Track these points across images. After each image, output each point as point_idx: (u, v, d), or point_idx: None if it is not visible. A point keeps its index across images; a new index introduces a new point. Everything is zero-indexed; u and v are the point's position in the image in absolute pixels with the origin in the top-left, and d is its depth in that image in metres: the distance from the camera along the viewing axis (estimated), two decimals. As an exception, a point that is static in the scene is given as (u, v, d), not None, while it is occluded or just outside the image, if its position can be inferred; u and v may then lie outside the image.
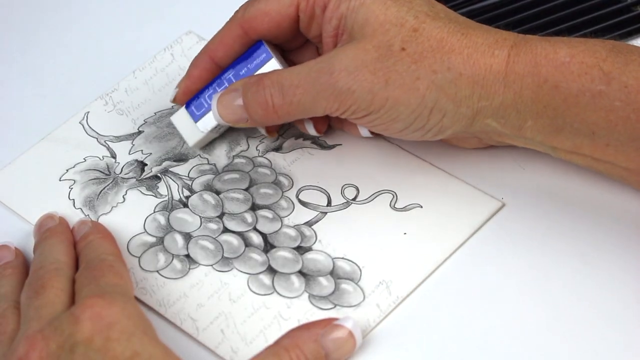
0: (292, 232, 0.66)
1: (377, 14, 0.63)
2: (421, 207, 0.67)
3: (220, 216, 0.67)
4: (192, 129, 0.69)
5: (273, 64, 0.67)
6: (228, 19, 0.68)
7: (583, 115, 0.61)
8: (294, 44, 0.69)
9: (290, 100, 0.64)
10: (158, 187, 0.69)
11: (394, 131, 0.64)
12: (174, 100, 0.69)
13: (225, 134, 0.71)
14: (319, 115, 0.65)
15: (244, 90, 0.65)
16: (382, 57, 0.62)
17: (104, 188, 0.69)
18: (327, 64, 0.63)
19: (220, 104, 0.66)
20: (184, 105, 0.69)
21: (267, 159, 0.70)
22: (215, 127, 0.68)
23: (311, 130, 0.68)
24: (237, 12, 0.68)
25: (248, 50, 0.68)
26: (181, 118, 0.69)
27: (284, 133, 0.71)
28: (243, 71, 0.67)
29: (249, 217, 0.67)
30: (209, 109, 0.68)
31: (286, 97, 0.64)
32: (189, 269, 0.65)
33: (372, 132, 0.68)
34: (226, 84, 0.67)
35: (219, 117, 0.66)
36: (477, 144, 0.67)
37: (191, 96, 0.69)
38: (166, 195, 0.68)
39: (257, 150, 0.70)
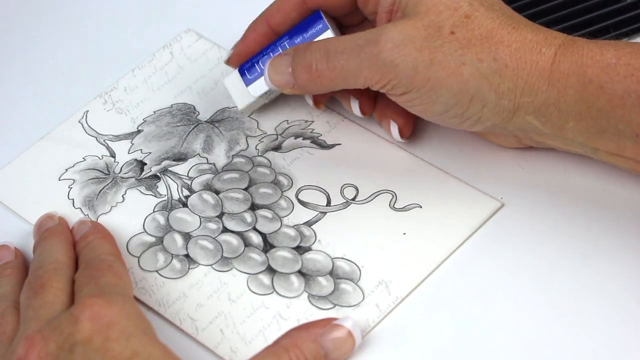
0: (291, 232, 0.66)
1: None
2: (421, 207, 0.67)
3: (220, 216, 0.67)
4: (243, 92, 0.69)
5: (328, 35, 0.67)
6: None
7: (628, 116, 0.61)
8: (351, 20, 0.69)
9: (334, 65, 0.64)
10: (157, 186, 0.69)
11: (433, 114, 0.64)
12: (228, 62, 0.70)
13: (224, 133, 0.71)
14: (360, 87, 0.64)
15: (294, 55, 0.65)
16: (431, 36, 0.62)
17: (103, 188, 0.69)
18: (374, 35, 0.63)
19: (271, 68, 0.66)
20: (237, 69, 0.69)
21: (266, 158, 0.70)
22: (266, 93, 0.69)
23: (356, 110, 0.69)
24: None
25: (306, 19, 0.68)
26: (233, 81, 0.69)
27: (283, 133, 0.71)
28: (298, 39, 0.68)
29: (248, 216, 0.67)
30: (261, 74, 0.68)
31: (330, 62, 0.64)
32: (189, 268, 0.65)
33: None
34: (280, 50, 0.68)
35: (269, 81, 0.67)
36: (516, 143, 0.67)
37: (245, 59, 0.69)
38: (165, 195, 0.68)
39: (256, 149, 0.70)
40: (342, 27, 0.70)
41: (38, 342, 0.56)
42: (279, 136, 0.71)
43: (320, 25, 0.67)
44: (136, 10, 0.81)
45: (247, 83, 0.69)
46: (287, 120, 0.72)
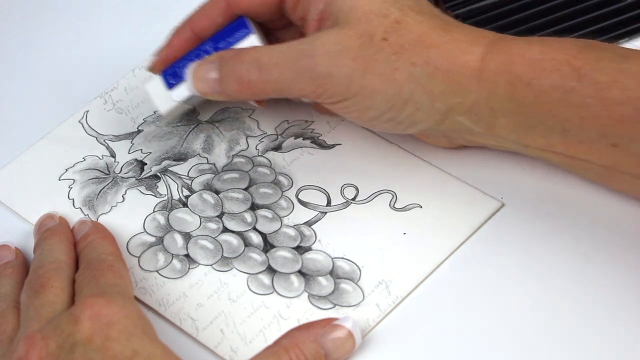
0: (291, 232, 0.66)
1: (363, 3, 0.63)
2: (421, 207, 0.67)
3: (220, 216, 0.67)
4: (165, 97, 0.68)
5: (252, 40, 0.67)
6: None
7: (555, 112, 0.61)
8: (277, 24, 0.69)
9: (268, 78, 0.63)
10: (157, 186, 0.69)
11: (367, 119, 0.64)
12: (151, 68, 0.69)
13: (224, 133, 0.71)
14: (293, 97, 0.65)
15: (220, 63, 0.65)
16: (364, 45, 0.62)
17: (103, 187, 0.69)
18: (308, 46, 0.63)
19: (195, 75, 0.66)
20: (160, 74, 0.69)
21: (266, 158, 0.70)
22: (189, 98, 0.68)
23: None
24: None
25: (230, 25, 0.67)
26: (156, 86, 0.69)
27: (283, 133, 0.71)
28: (222, 44, 0.67)
29: (248, 216, 0.67)
30: (183, 79, 0.68)
31: (263, 75, 0.64)
32: (189, 268, 0.65)
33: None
34: (204, 56, 0.67)
35: (193, 88, 0.66)
36: (447, 143, 0.68)
37: (168, 65, 0.68)
38: (166, 195, 0.68)
39: (256, 149, 0.70)
40: (267, 30, 0.70)
41: (38, 342, 0.56)
42: (279, 136, 0.71)
43: (244, 30, 0.67)
44: (136, 10, 0.81)
45: (170, 88, 0.68)
46: (287, 120, 0.72)
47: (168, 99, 0.68)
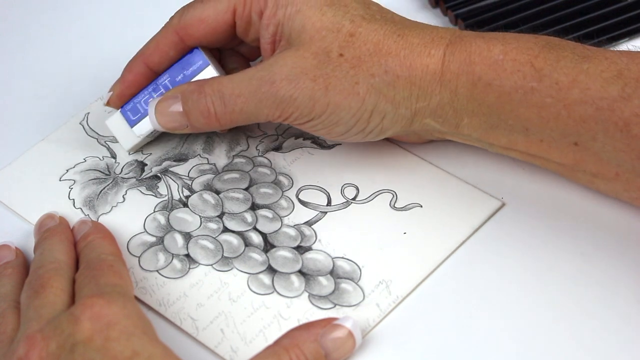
0: (292, 232, 0.66)
1: (314, 20, 0.63)
2: (421, 206, 0.67)
3: (220, 216, 0.67)
4: (128, 133, 0.69)
5: (210, 71, 0.67)
6: (163, 25, 0.68)
7: (516, 112, 0.61)
8: (230, 45, 0.70)
9: (232, 109, 0.64)
10: (158, 186, 0.69)
11: (336, 135, 0.65)
12: (108, 104, 0.69)
13: (225, 133, 0.71)
14: (262, 122, 0.65)
15: (184, 98, 0.65)
16: (321, 63, 0.63)
17: (104, 188, 0.69)
18: (267, 73, 0.63)
19: (158, 111, 0.66)
20: (119, 110, 0.69)
21: (267, 158, 0.70)
22: (152, 132, 0.69)
23: None
24: (172, 18, 0.68)
25: (185, 57, 0.68)
26: (117, 122, 0.69)
27: (283, 133, 0.71)
28: (179, 77, 0.68)
29: (248, 216, 0.67)
30: (145, 114, 0.68)
31: (228, 106, 0.64)
32: (189, 268, 0.65)
33: None
34: (162, 90, 0.68)
35: (157, 124, 0.67)
36: (417, 139, 0.68)
37: (126, 100, 0.69)
38: (166, 195, 0.68)
39: (257, 149, 0.70)
40: (220, 52, 0.70)
41: (39, 342, 0.56)
42: (279, 136, 0.71)
43: (201, 62, 0.67)
44: (137, 11, 0.81)
45: (132, 124, 0.68)
46: (288, 121, 0.72)
47: (131, 135, 0.69)
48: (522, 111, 0.61)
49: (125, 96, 0.69)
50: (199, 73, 0.67)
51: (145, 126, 0.68)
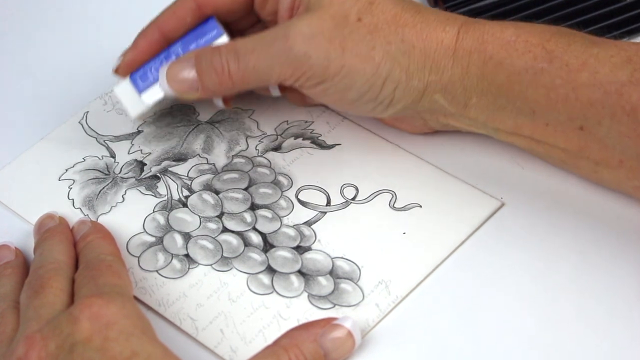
0: (291, 232, 0.66)
1: None
2: (420, 206, 0.67)
3: (220, 216, 0.67)
4: (135, 101, 0.68)
5: (224, 40, 0.67)
6: None
7: (525, 92, 0.62)
8: (243, 24, 0.70)
9: (246, 65, 0.64)
10: (157, 186, 0.69)
11: (346, 101, 0.65)
12: (117, 71, 0.68)
13: (224, 134, 0.71)
14: (273, 84, 0.65)
15: (198, 59, 0.65)
16: (339, 25, 0.63)
17: (103, 188, 0.69)
18: (283, 31, 0.63)
19: (170, 74, 0.66)
20: (128, 77, 0.68)
21: (266, 158, 0.70)
22: (160, 100, 0.68)
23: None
24: None
25: (199, 26, 0.67)
26: (125, 89, 0.68)
27: (283, 133, 0.71)
28: (192, 46, 0.67)
29: (248, 216, 0.67)
30: (154, 81, 0.67)
31: (241, 63, 0.64)
32: (189, 268, 0.65)
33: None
34: (173, 57, 0.67)
35: (168, 88, 0.66)
36: (422, 126, 0.68)
37: (135, 68, 0.68)
38: (165, 195, 0.68)
39: (256, 150, 0.70)
40: (233, 32, 0.69)
41: (38, 342, 0.56)
42: (278, 136, 0.71)
43: (215, 31, 0.67)
44: (136, 10, 0.81)
45: (140, 91, 0.68)
46: (287, 121, 0.72)
47: (139, 103, 0.68)
48: (530, 92, 0.62)
49: (136, 63, 0.68)
50: (212, 42, 0.67)
51: (155, 93, 0.67)
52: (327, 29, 0.63)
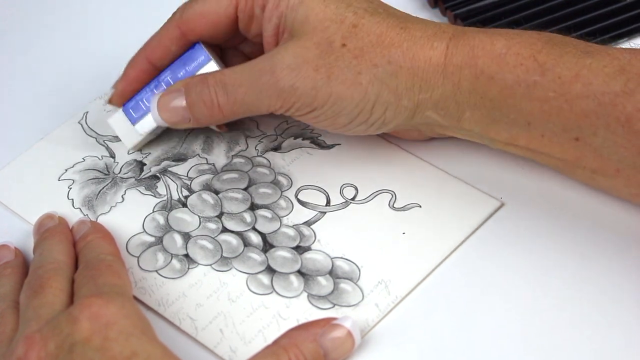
0: (291, 232, 0.66)
1: (317, 11, 0.63)
2: (420, 206, 0.67)
3: (219, 216, 0.67)
4: (130, 131, 0.69)
5: (212, 66, 0.67)
6: (166, 20, 0.68)
7: (518, 105, 0.61)
8: (231, 43, 0.70)
9: (235, 98, 0.64)
10: (157, 186, 0.69)
11: (338, 126, 0.65)
12: (110, 102, 0.69)
13: (224, 133, 0.71)
14: (264, 113, 0.65)
15: (187, 90, 0.65)
16: (324, 53, 0.63)
17: (102, 188, 0.69)
18: (268, 63, 0.63)
19: (161, 105, 0.66)
20: (121, 108, 0.69)
21: (266, 158, 0.70)
22: (154, 129, 0.68)
23: None
24: (174, 13, 0.68)
25: (186, 53, 0.68)
26: (119, 120, 0.69)
27: (283, 133, 0.71)
28: (181, 73, 0.68)
29: (247, 216, 0.67)
30: (146, 112, 0.68)
31: (230, 96, 0.64)
32: (188, 268, 0.65)
33: None
34: (164, 86, 0.68)
35: (160, 119, 0.67)
36: (418, 136, 0.68)
37: (128, 98, 0.69)
38: (165, 195, 0.68)
39: (256, 150, 0.70)
40: (222, 50, 0.70)
41: (37, 342, 0.56)
42: (278, 136, 0.71)
43: (202, 57, 0.67)
44: (136, 11, 0.81)
45: (134, 122, 0.68)
46: (287, 121, 0.72)
47: (133, 133, 0.69)
48: (524, 105, 0.61)
49: (128, 93, 0.69)
50: (200, 68, 0.67)
51: (148, 123, 0.68)
52: (313, 58, 0.63)
